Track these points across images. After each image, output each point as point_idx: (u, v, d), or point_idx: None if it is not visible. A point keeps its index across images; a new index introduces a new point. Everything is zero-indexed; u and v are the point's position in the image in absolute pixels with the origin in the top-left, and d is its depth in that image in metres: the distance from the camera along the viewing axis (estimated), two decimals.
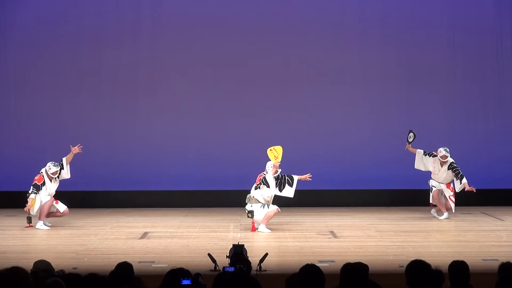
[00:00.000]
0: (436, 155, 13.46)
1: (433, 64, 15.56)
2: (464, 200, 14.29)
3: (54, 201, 12.61)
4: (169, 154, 15.22)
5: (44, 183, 12.51)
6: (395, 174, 15.08)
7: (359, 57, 15.49)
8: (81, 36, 15.27)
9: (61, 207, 12.67)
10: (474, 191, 13.13)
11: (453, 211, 13.40)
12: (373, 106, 15.49)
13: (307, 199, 15.11)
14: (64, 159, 12.65)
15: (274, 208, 12.10)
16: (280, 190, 12.19)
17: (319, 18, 15.47)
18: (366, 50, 15.49)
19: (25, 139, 15.10)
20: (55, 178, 12.60)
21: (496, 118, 15.60)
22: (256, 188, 12.13)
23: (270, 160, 12.23)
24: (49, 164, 12.56)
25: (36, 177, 12.55)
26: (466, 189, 13.18)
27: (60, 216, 12.76)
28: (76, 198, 14.31)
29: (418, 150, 13.63)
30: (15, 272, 4.35)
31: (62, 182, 12.95)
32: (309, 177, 12.26)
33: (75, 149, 12.61)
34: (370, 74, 15.51)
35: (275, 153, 12.25)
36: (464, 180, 13.18)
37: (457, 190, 13.36)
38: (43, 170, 12.58)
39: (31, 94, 15.23)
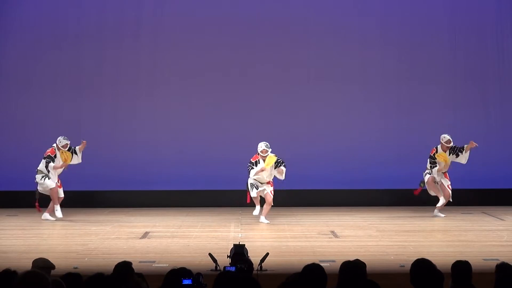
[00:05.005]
0: (436, 152, 13.51)
1: (434, 64, 15.55)
2: (464, 200, 14.30)
3: (58, 184, 13.09)
4: (170, 154, 15.22)
5: (56, 156, 13.03)
6: (395, 174, 15.07)
7: (360, 57, 15.49)
8: (82, 36, 15.26)
9: (61, 192, 13.18)
10: (476, 145, 13.37)
11: (451, 200, 13.49)
12: (374, 106, 15.49)
13: (308, 199, 15.13)
14: (77, 147, 13.23)
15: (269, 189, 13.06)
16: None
17: (320, 18, 15.46)
18: (366, 50, 15.48)
19: (25, 139, 15.09)
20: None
21: (496, 118, 15.60)
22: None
23: (261, 143, 13.04)
24: (59, 138, 13.16)
25: (48, 150, 13.12)
26: (470, 147, 13.36)
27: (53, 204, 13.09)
28: (76, 198, 14.33)
29: (431, 176, 13.59)
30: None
31: (64, 182, 13.28)
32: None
33: (84, 144, 13.24)
34: (371, 74, 15.50)
35: (268, 161, 13.07)
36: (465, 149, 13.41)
37: (465, 161, 13.43)
38: (54, 144, 13.13)
39: (32, 94, 15.24)
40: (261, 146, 13.04)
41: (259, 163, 13.02)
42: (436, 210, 13.66)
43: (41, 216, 13.20)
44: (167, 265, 8.59)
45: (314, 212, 14.26)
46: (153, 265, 8.99)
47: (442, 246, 10.80)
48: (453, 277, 5.63)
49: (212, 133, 15.26)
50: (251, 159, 13.09)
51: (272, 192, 13.11)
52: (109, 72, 15.36)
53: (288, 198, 14.80)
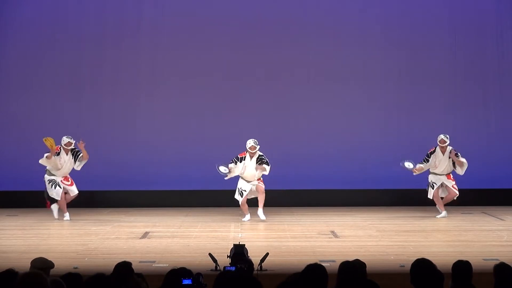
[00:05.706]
0: (434, 151, 13.52)
1: (434, 64, 15.55)
2: (464, 200, 14.29)
3: (69, 183, 13.31)
4: (169, 154, 15.22)
5: (59, 153, 13.18)
6: (395, 174, 15.04)
7: (361, 57, 15.48)
8: (82, 36, 15.26)
9: (73, 190, 13.39)
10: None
11: (458, 195, 13.58)
12: (374, 106, 15.48)
13: (308, 199, 15.12)
14: (81, 155, 13.34)
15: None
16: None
17: (320, 18, 15.45)
18: (367, 50, 15.48)
19: (25, 139, 15.09)
20: (71, 152, 13.28)
21: (497, 118, 15.60)
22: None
23: (249, 139, 13.19)
24: (63, 137, 13.32)
25: (55, 147, 13.32)
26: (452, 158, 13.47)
27: (69, 199, 13.41)
28: (77, 197, 14.30)
29: (419, 166, 13.58)
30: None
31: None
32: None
33: (81, 145, 13.28)
34: (371, 73, 15.50)
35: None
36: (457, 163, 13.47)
37: (461, 173, 13.49)
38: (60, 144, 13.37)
39: (32, 94, 15.24)
40: (250, 142, 13.16)
41: (244, 159, 13.10)
42: (443, 213, 13.63)
43: (49, 211, 13.41)
44: (167, 265, 8.59)
45: (314, 212, 14.25)
46: (153, 265, 8.99)
47: (442, 246, 10.79)
48: (453, 277, 5.63)
49: (212, 133, 15.25)
50: (238, 155, 13.22)
51: (261, 184, 13.17)
52: (109, 72, 15.36)
53: (288, 198, 14.80)
